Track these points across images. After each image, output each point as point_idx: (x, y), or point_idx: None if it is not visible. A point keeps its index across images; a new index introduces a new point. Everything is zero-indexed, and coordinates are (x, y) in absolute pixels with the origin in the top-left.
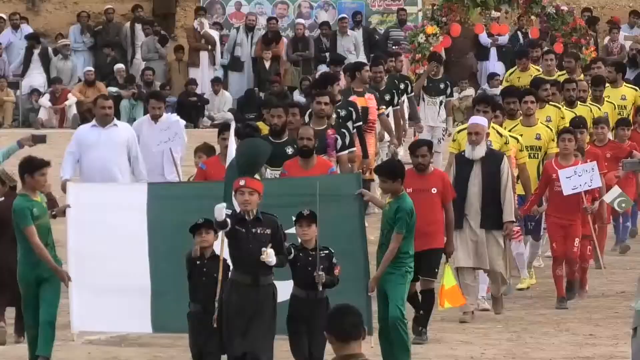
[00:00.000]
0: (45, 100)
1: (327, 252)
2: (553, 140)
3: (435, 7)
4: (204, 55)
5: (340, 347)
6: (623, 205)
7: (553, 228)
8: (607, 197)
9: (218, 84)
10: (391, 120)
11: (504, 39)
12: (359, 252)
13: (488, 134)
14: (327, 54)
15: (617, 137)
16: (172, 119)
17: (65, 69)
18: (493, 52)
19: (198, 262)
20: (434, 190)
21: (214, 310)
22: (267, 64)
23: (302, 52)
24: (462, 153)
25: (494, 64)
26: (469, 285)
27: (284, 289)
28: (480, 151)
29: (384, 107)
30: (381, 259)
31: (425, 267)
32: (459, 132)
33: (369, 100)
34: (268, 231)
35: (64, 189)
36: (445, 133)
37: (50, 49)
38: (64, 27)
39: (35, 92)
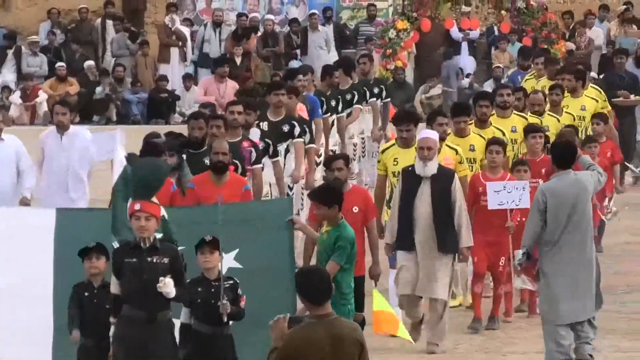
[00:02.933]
0: (16, 97)
1: (231, 282)
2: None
3: (405, 2)
4: (174, 52)
5: (314, 307)
6: None
7: (477, 246)
8: None
9: (189, 80)
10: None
11: (475, 34)
12: (286, 282)
13: (439, 150)
14: (298, 51)
15: (595, 132)
16: (88, 136)
17: (35, 65)
18: (464, 46)
19: (87, 293)
20: (355, 209)
21: (107, 346)
22: (238, 60)
23: (272, 48)
24: (410, 168)
25: (465, 59)
26: (410, 311)
27: None
28: (432, 167)
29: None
30: None
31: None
32: (383, 152)
33: (300, 112)
34: (166, 260)
35: None
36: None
37: (23, 47)
38: (34, 24)
39: (6, 89)
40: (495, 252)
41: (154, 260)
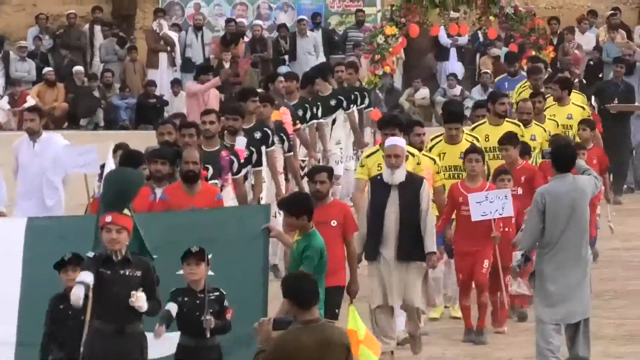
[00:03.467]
0: (4, 103)
1: (217, 294)
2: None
3: (394, 8)
4: (162, 57)
5: (302, 312)
6: None
7: (460, 257)
8: None
9: (177, 85)
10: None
11: (463, 40)
12: (259, 289)
13: (407, 157)
14: (286, 56)
15: (581, 139)
16: (61, 142)
17: (23, 71)
18: (453, 52)
19: (61, 306)
20: (333, 223)
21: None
22: (227, 66)
23: (260, 54)
24: (378, 177)
25: (453, 65)
26: (385, 327)
27: (171, 342)
28: (400, 175)
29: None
30: None
31: (324, 307)
32: (367, 156)
33: (283, 115)
34: (138, 273)
35: None
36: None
37: (11, 52)
38: (22, 29)
39: None
40: (478, 257)
41: (126, 274)
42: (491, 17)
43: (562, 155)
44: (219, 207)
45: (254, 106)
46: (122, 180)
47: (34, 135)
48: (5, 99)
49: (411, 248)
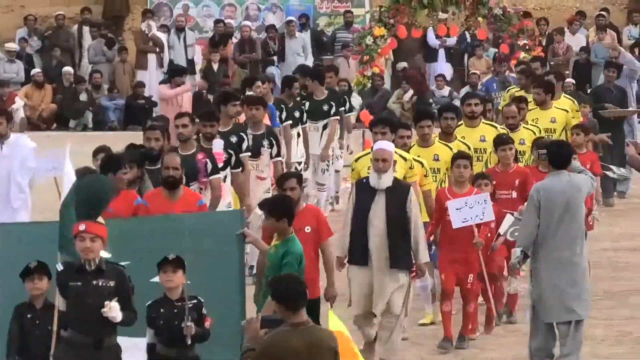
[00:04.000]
0: None
1: (195, 301)
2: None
3: (382, 9)
4: (151, 58)
5: (290, 314)
6: (516, 233)
7: (443, 259)
8: (502, 229)
9: None
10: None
11: (452, 41)
12: (236, 298)
13: (395, 162)
14: (275, 57)
15: (575, 143)
16: (29, 144)
17: (11, 72)
18: (441, 53)
19: (29, 315)
20: (307, 229)
21: None
22: (216, 67)
23: (248, 54)
24: (364, 180)
25: (442, 66)
26: (364, 325)
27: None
28: (387, 180)
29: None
30: (262, 306)
31: None
32: (357, 160)
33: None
34: (112, 283)
35: None
36: (346, 151)
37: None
38: (11, 30)
39: None
40: (464, 269)
41: (99, 284)
42: (480, 18)
43: (557, 155)
44: (192, 213)
45: (234, 110)
46: (94, 188)
47: (1, 137)
48: None
49: (398, 256)
